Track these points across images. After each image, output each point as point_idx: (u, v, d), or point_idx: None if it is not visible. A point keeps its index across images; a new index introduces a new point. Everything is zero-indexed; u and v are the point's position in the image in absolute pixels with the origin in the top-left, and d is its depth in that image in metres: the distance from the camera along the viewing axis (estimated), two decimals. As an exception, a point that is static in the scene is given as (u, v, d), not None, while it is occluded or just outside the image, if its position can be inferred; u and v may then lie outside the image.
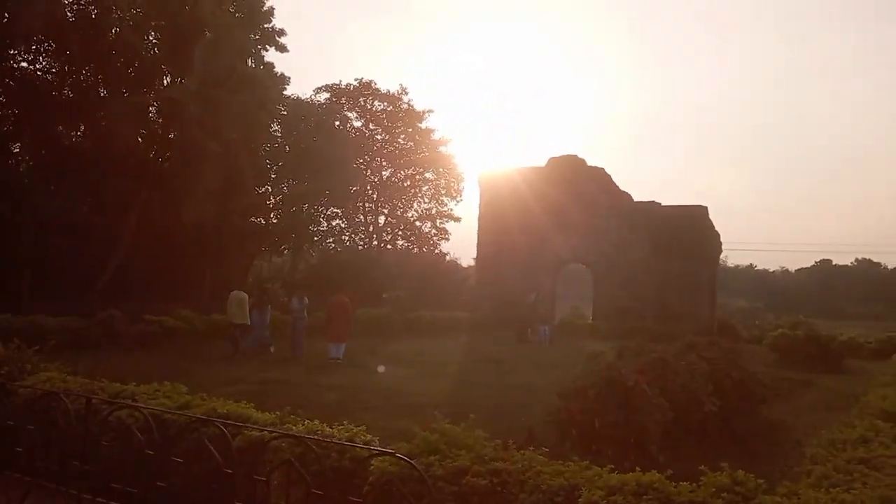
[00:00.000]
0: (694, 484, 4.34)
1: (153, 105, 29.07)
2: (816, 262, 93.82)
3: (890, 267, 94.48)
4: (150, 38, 28.82)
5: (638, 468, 4.53)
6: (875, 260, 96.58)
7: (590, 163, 33.01)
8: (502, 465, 4.67)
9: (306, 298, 18.49)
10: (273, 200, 35.07)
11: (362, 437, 5.40)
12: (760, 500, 4.14)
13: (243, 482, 4.32)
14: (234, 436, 5.04)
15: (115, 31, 27.19)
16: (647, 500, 4.07)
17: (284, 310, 20.81)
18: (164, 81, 29.47)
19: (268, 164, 33.42)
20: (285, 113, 34.11)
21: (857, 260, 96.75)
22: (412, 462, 4.12)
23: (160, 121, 29.49)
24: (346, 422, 5.67)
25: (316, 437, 4.91)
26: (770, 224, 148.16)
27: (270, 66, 32.09)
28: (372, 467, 4.66)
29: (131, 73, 28.07)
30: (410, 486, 4.21)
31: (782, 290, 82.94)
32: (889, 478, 4.96)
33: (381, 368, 14.87)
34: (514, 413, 9.58)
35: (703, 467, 4.55)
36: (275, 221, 34.69)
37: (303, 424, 5.46)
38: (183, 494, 4.77)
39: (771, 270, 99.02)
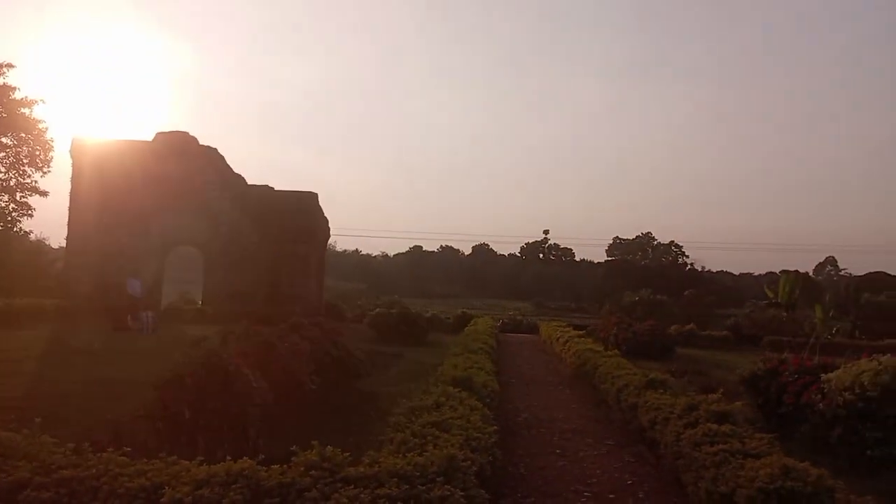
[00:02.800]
0: (285, 465, 4.37)
1: None
2: (410, 248, 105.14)
3: (466, 253, 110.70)
4: None
5: (230, 457, 4.39)
6: (455, 247, 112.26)
7: (202, 142, 31.63)
8: (72, 472, 4.10)
9: None
10: None
11: None
12: (346, 473, 4.34)
13: None
14: None
15: None
16: (237, 489, 3.96)
17: None
18: None
19: None
20: None
21: (441, 247, 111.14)
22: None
23: None
24: None
25: None
26: (373, 212, 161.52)
27: None
28: None
29: None
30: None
31: (383, 272, 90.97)
32: (454, 437, 5.68)
33: None
34: (101, 410, 8.61)
35: (294, 447, 4.62)
36: None
37: None
38: None
39: (373, 255, 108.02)
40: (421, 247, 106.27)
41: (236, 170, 31.78)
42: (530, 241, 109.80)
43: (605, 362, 13.32)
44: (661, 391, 9.23)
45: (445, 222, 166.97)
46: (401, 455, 4.97)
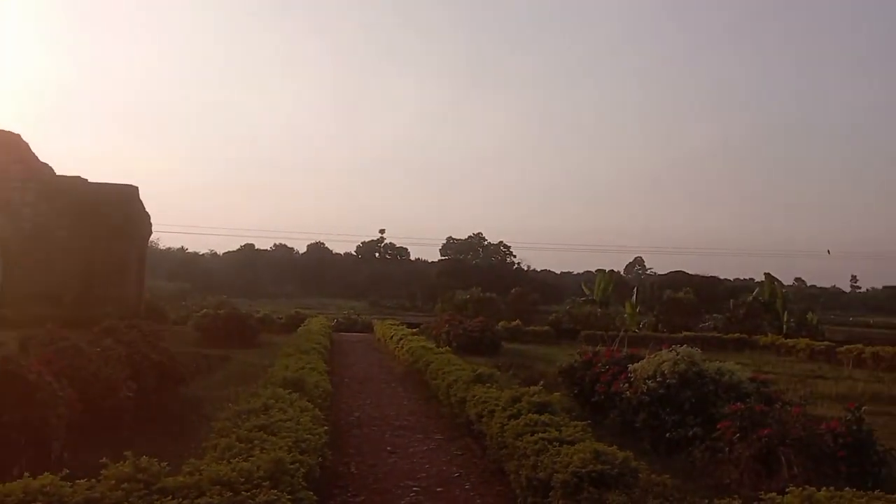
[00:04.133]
0: (93, 479, 4.06)
1: None
2: (241, 247, 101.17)
3: (301, 252, 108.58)
4: None
5: (28, 473, 4.00)
6: (289, 245, 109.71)
7: (0, 127, 28.34)
8: None
9: None
10: None
11: None
12: (163, 484, 4.11)
13: None
14: None
15: None
16: (36, 509, 3.61)
17: None
18: None
19: None
20: None
21: (275, 245, 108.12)
22: None
23: None
24: None
25: None
26: (200, 208, 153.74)
27: None
28: None
29: None
30: None
31: (211, 272, 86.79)
32: (283, 440, 5.56)
33: None
34: None
35: (104, 459, 4.30)
36: None
37: None
38: None
39: (201, 253, 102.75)
40: (253, 245, 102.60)
41: (43, 159, 28.87)
42: (366, 240, 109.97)
43: (437, 359, 13.66)
44: (488, 385, 9.62)
45: (279, 220, 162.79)
46: (225, 461, 4.78)
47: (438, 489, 7.27)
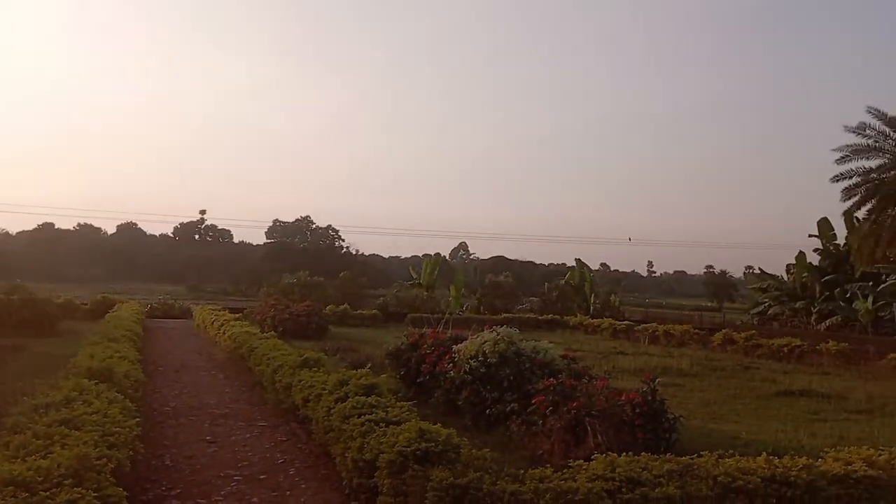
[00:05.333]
0: None
1: None
2: (39, 226, 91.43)
3: (110, 233, 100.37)
4: None
5: None
6: (96, 225, 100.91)
7: None
8: None
9: None
10: None
11: None
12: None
13: None
14: None
15: None
16: None
17: None
18: None
19: None
20: None
21: (79, 224, 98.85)
22: None
23: None
24: None
25: None
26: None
27: None
28: None
29: None
30: None
31: (3, 253, 77.62)
32: (88, 434, 5.14)
33: None
34: None
35: None
36: None
37: None
38: None
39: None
40: (53, 224, 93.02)
41: None
42: (185, 221, 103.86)
43: (262, 344, 13.27)
44: (315, 369, 9.51)
45: (84, 197, 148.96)
46: (20, 460, 4.34)
47: (262, 476, 7.09)
